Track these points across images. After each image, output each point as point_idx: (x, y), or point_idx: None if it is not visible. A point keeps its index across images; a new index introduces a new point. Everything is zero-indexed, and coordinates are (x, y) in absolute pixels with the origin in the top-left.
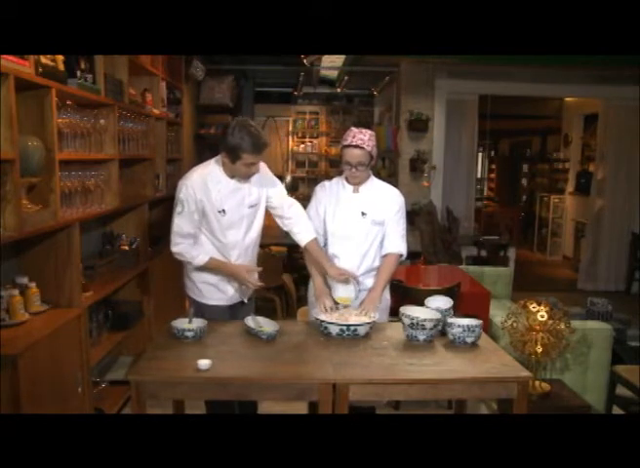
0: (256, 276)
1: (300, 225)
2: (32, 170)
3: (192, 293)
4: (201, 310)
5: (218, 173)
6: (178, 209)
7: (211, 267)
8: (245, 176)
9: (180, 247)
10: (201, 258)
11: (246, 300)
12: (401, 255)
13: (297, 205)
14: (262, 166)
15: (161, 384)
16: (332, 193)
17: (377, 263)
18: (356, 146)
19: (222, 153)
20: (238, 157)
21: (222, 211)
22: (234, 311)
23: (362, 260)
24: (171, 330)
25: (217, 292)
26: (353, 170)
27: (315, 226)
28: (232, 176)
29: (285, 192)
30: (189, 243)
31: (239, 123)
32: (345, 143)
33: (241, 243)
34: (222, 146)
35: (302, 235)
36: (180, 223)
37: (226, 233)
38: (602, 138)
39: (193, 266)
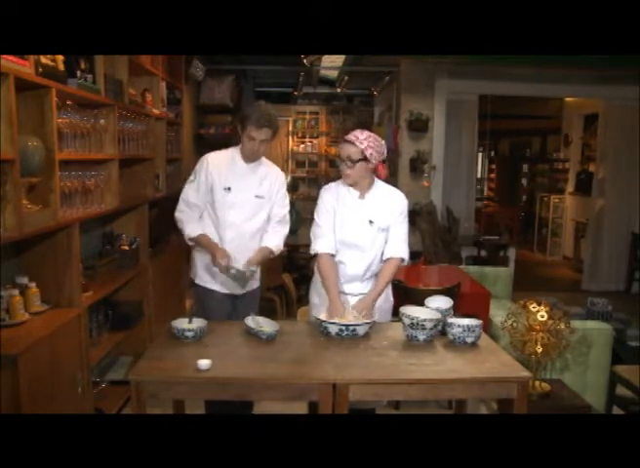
0: (227, 262)
1: (276, 234)
2: (32, 170)
3: (193, 275)
4: (201, 295)
5: (235, 155)
6: (190, 178)
7: (198, 242)
8: (249, 153)
9: (181, 214)
10: (193, 229)
11: (238, 293)
12: (402, 260)
13: (286, 225)
14: (283, 176)
15: (161, 384)
16: (339, 197)
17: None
18: (347, 141)
19: (238, 126)
20: (244, 127)
21: (228, 188)
22: (234, 302)
23: (368, 267)
24: (171, 330)
25: (211, 276)
26: (343, 165)
27: (328, 230)
28: (247, 161)
29: (286, 213)
30: (191, 214)
31: (259, 102)
32: (341, 139)
33: (239, 226)
34: (239, 118)
35: (272, 240)
36: (188, 191)
37: (226, 212)
38: (602, 138)
39: (186, 236)
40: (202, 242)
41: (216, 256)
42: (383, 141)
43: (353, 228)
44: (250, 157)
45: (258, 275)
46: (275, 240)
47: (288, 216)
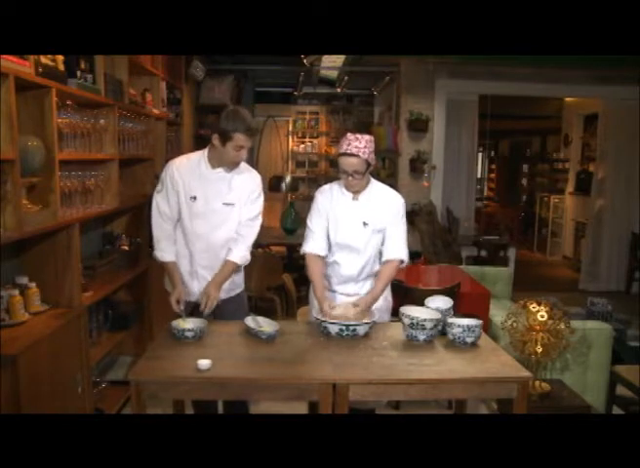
0: (179, 308)
1: (242, 241)
2: (32, 170)
3: (167, 285)
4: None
5: (201, 161)
6: (158, 187)
7: (166, 267)
8: (232, 162)
9: (156, 230)
10: (163, 252)
11: (203, 311)
12: (402, 262)
13: (255, 227)
14: (257, 178)
15: (161, 384)
16: (332, 199)
17: (376, 267)
18: (352, 155)
19: (214, 136)
20: (229, 138)
21: (194, 197)
22: (215, 310)
23: (363, 268)
24: (171, 330)
25: (186, 287)
26: (350, 178)
27: (319, 233)
28: (216, 167)
29: (257, 214)
30: (166, 231)
31: (234, 108)
32: (341, 151)
33: (207, 236)
34: (216, 129)
35: (236, 252)
36: (157, 200)
37: (194, 222)
38: (602, 138)
39: (154, 257)
40: (167, 270)
41: (171, 296)
42: (372, 136)
43: (347, 230)
44: (232, 166)
45: (242, 280)
46: (240, 250)
47: (259, 219)
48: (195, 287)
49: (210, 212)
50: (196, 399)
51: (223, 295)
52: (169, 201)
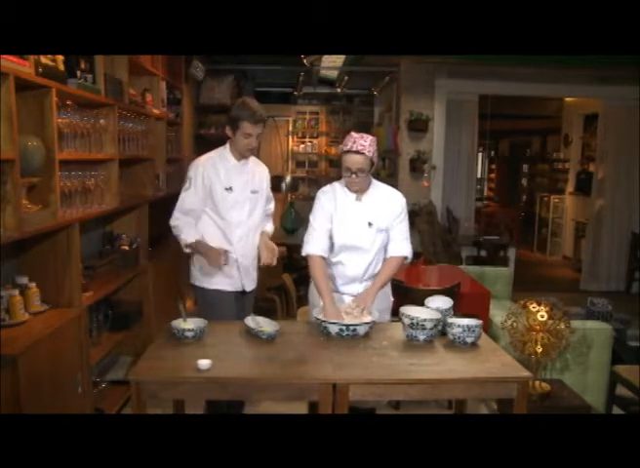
0: (224, 260)
1: (268, 223)
2: (32, 170)
3: (198, 281)
4: (204, 296)
5: (226, 155)
6: (185, 185)
7: (194, 247)
8: (245, 150)
9: (177, 221)
10: (188, 235)
11: (248, 290)
12: (405, 258)
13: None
14: (267, 170)
15: (161, 384)
16: (336, 200)
17: (380, 266)
18: (357, 152)
19: (227, 128)
20: (237, 127)
21: (230, 188)
22: (236, 301)
23: (367, 268)
24: (171, 330)
25: (221, 277)
26: (353, 176)
27: (323, 233)
28: (239, 158)
29: (272, 201)
30: (187, 221)
31: (242, 99)
32: (346, 149)
33: (245, 222)
34: (227, 120)
35: (267, 226)
36: (184, 197)
37: (231, 212)
38: (602, 138)
39: (182, 243)
40: (198, 246)
41: (210, 257)
42: (375, 137)
43: (352, 231)
44: (246, 153)
45: (255, 275)
46: (269, 226)
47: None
48: (236, 275)
49: (242, 200)
50: (196, 399)
51: (251, 285)
52: (197, 196)
